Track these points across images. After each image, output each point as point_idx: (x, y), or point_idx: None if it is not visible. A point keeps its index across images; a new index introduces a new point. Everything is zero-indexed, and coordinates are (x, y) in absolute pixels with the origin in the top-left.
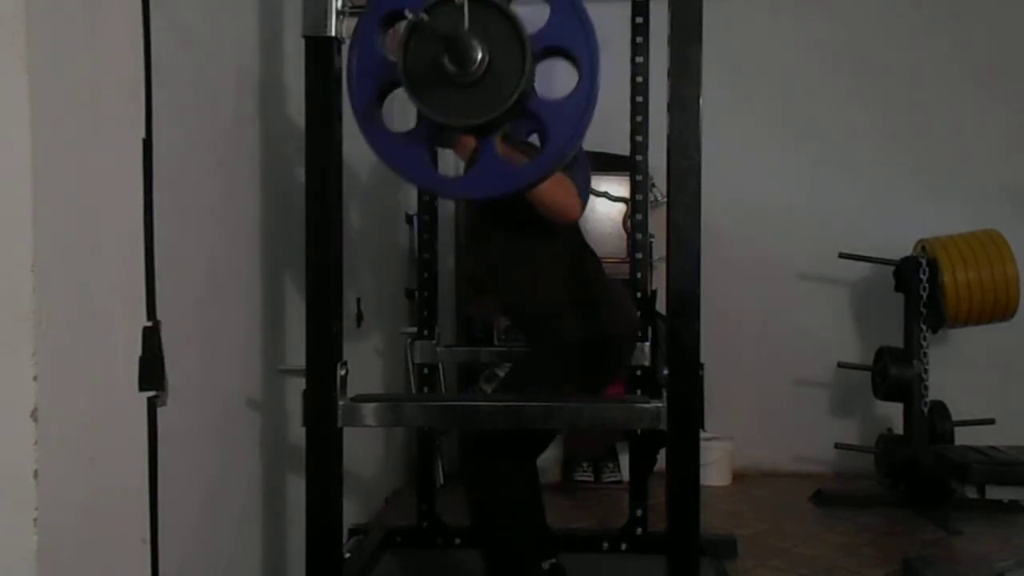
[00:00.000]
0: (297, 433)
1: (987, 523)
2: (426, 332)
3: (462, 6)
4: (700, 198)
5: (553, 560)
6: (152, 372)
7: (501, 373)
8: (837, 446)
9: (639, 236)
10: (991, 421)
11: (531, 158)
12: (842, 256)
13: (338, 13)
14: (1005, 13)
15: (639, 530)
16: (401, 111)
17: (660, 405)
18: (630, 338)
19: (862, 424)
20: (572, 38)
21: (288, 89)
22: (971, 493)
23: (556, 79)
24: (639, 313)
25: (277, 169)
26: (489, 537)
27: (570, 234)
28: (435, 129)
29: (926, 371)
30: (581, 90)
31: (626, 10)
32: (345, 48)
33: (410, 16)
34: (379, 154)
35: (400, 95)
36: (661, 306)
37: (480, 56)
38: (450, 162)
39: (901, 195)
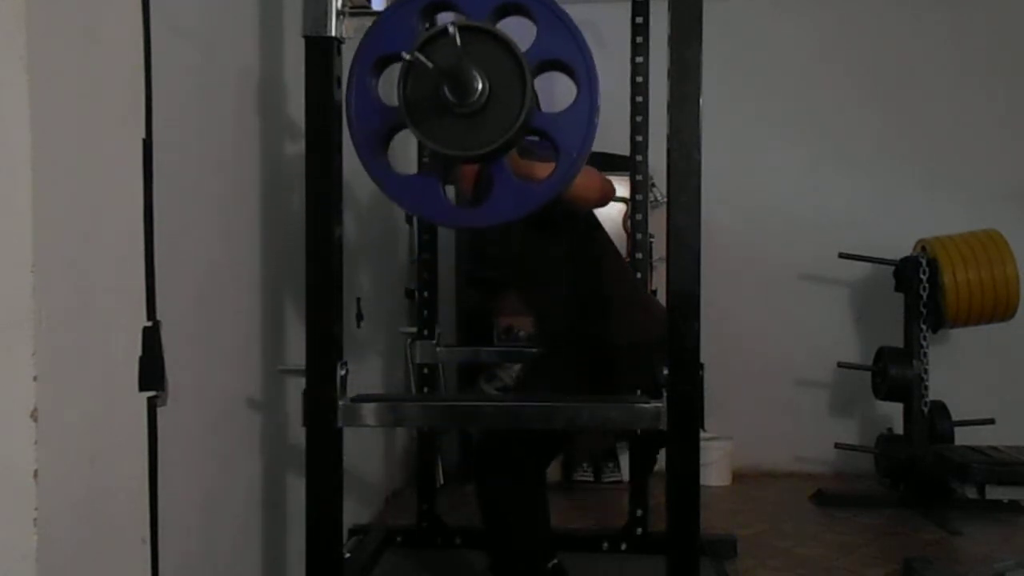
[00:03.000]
0: (297, 433)
1: (987, 523)
2: (426, 332)
3: (454, 38)
4: (700, 198)
5: (555, 560)
6: (152, 372)
7: (501, 373)
8: (837, 446)
9: (639, 236)
10: (991, 421)
11: (546, 160)
12: (842, 256)
13: (338, 13)
14: (1006, 13)
15: (639, 530)
16: (400, 156)
17: (660, 405)
18: (647, 345)
19: (862, 424)
20: (565, 49)
21: (288, 89)
22: (971, 493)
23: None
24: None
25: (277, 169)
26: (499, 538)
27: (594, 229)
28: (444, 164)
29: (926, 371)
30: (583, 97)
31: (626, 10)
32: (343, 90)
33: (405, 56)
34: (393, 197)
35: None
36: None
37: (480, 85)
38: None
39: (901, 195)
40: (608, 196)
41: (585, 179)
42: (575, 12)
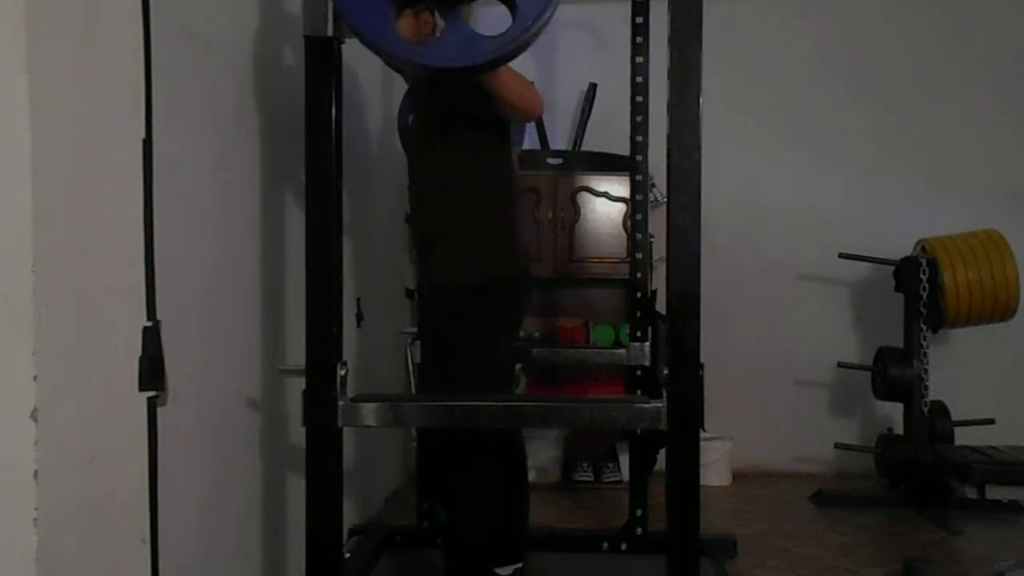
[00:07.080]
0: (297, 433)
1: (987, 523)
2: None
3: None
4: (700, 198)
5: (519, 565)
6: (152, 372)
7: None
8: (837, 446)
9: (639, 236)
10: (991, 421)
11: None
12: (842, 256)
13: (338, 13)
14: (1005, 13)
15: (639, 530)
16: None
17: (660, 405)
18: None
19: (862, 424)
20: None
21: (288, 89)
22: (971, 493)
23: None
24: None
25: (277, 169)
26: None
27: (511, 160)
28: None
29: (926, 371)
30: None
31: (626, 10)
32: None
33: None
34: (345, 9)
35: None
36: (661, 306)
37: None
38: None
39: (901, 195)
40: (535, 112)
41: (524, 87)
42: (575, 12)
